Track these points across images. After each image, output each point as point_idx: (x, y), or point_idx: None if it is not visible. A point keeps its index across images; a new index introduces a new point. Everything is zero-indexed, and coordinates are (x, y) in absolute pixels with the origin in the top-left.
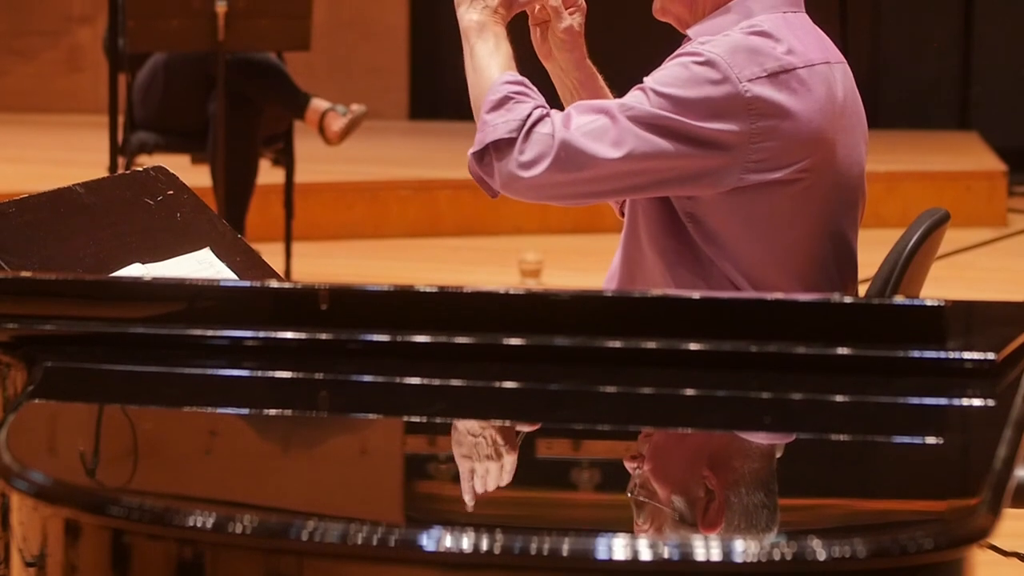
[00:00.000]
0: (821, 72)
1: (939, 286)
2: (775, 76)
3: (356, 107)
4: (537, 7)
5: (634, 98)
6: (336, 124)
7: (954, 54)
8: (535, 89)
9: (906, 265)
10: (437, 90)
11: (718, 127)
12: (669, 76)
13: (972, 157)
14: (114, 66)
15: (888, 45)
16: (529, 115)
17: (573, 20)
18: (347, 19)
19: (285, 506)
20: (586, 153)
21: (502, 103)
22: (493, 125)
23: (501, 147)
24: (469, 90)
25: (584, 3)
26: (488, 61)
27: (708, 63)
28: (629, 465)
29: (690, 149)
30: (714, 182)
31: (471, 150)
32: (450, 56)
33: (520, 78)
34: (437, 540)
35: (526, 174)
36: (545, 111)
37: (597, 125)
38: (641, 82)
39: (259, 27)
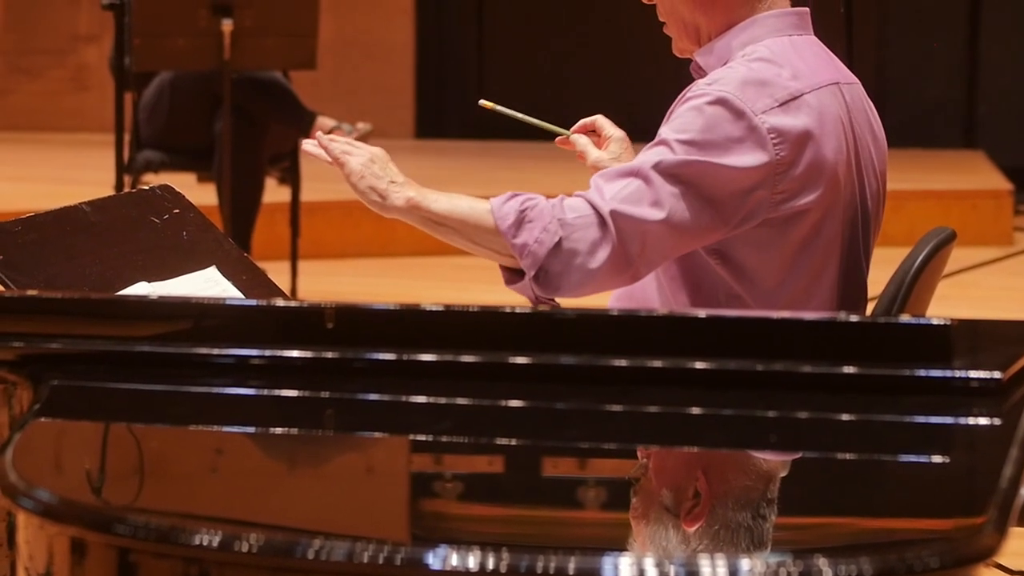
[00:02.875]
0: (829, 93)
1: (945, 305)
2: (786, 105)
3: (362, 125)
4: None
5: (657, 153)
6: None
7: (960, 73)
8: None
9: (912, 284)
10: (443, 109)
11: (744, 164)
12: (686, 123)
13: (978, 176)
14: (120, 85)
15: (894, 64)
16: (552, 211)
17: (604, 153)
18: (353, 38)
19: (291, 524)
20: (634, 218)
21: (521, 220)
22: (536, 241)
23: (554, 256)
24: (464, 244)
25: (615, 132)
26: (456, 206)
27: (720, 102)
28: (635, 476)
29: (724, 190)
30: (749, 216)
31: (526, 279)
32: (456, 75)
33: (504, 194)
34: (443, 558)
35: (594, 263)
36: (556, 198)
37: (632, 189)
38: (656, 138)
39: (265, 46)
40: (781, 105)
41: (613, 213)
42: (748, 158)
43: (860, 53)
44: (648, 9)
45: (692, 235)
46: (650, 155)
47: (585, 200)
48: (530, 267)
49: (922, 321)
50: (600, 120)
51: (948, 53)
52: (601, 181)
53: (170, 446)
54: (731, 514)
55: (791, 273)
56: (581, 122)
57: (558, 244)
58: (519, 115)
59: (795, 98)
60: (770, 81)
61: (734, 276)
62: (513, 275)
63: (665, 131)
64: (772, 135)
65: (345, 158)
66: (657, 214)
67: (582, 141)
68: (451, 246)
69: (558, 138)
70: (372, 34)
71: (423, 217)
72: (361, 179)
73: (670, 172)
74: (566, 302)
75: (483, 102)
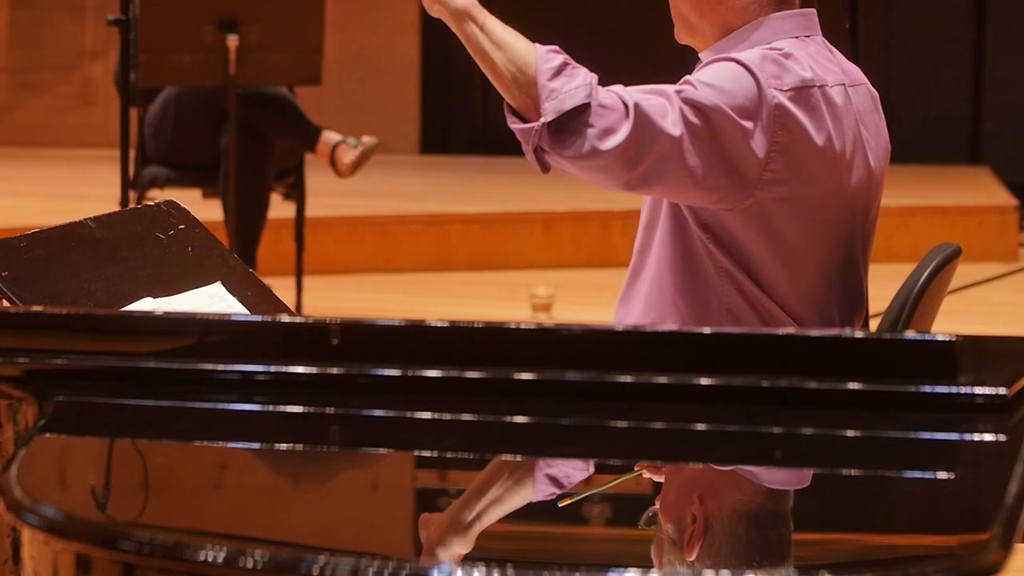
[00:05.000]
0: (838, 94)
1: (950, 321)
2: (795, 91)
3: (367, 139)
4: None
5: (681, 85)
6: (347, 156)
7: (966, 89)
8: None
9: (918, 300)
10: (448, 125)
11: (751, 125)
12: (710, 73)
13: (984, 192)
14: (126, 100)
15: (899, 80)
16: (590, 79)
17: None
18: (358, 53)
19: (296, 540)
20: (654, 125)
21: (562, 69)
22: (566, 91)
23: (576, 114)
24: (493, 66)
25: None
26: (507, 34)
27: (742, 64)
28: (643, 498)
29: (730, 142)
30: (739, 184)
31: (537, 123)
32: (461, 90)
33: (555, 47)
34: (448, 574)
35: (605, 144)
36: (593, 76)
37: (656, 102)
38: (682, 79)
39: (270, 61)
40: (788, 91)
41: (637, 108)
42: (753, 122)
43: (866, 69)
44: (655, 24)
45: (691, 175)
46: (674, 85)
47: (615, 92)
48: (551, 112)
49: (927, 337)
50: None
51: (954, 69)
52: (632, 89)
53: (175, 462)
54: (734, 531)
55: (773, 255)
56: None
57: (586, 106)
58: None
59: (807, 88)
60: (785, 67)
61: (719, 248)
62: (516, 116)
63: (692, 76)
64: (775, 112)
65: None
66: (674, 130)
67: None
68: (456, 262)
69: None
70: (377, 50)
71: (470, 22)
72: None
73: (691, 103)
74: (568, 313)
75: None
